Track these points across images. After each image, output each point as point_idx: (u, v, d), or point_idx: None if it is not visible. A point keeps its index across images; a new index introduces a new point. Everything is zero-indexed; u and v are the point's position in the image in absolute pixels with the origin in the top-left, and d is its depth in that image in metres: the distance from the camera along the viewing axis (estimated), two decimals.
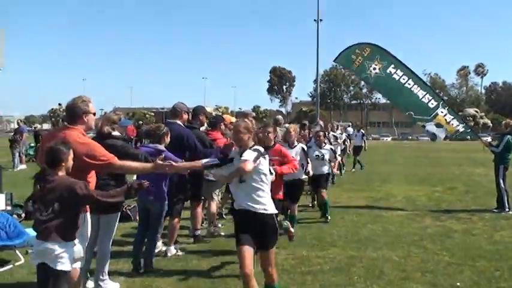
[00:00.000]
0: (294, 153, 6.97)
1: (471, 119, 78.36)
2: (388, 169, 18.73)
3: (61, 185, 3.41)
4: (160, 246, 6.33)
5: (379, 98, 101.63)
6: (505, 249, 6.62)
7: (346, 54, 10.43)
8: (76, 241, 3.57)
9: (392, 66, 10.19)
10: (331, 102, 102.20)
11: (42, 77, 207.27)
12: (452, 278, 5.36)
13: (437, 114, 10.19)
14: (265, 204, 4.14)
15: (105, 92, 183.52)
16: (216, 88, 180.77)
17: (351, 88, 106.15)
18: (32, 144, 21.27)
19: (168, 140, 5.64)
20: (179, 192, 6.12)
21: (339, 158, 8.82)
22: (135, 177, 5.82)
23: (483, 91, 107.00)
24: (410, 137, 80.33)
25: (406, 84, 10.18)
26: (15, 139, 18.54)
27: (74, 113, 4.10)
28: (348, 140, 16.28)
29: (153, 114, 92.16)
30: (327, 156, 8.39)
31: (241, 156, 4.12)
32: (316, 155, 8.28)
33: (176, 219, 6.28)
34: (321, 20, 37.07)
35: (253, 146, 4.20)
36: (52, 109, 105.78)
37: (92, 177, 4.07)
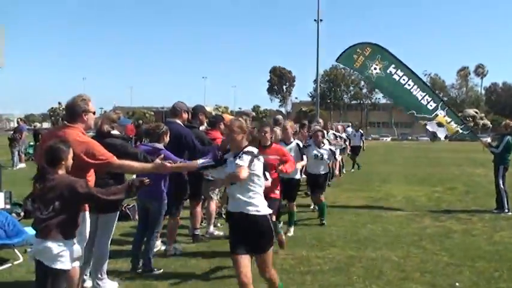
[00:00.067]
0: (289, 149, 6.96)
1: (471, 119, 78.38)
2: (387, 169, 18.73)
3: (61, 184, 3.41)
4: (159, 245, 6.33)
5: (379, 98, 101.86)
6: (504, 249, 6.61)
7: (347, 53, 10.42)
8: (75, 240, 3.56)
9: (393, 66, 10.19)
10: (331, 102, 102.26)
11: (42, 76, 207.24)
12: (451, 279, 5.35)
13: (437, 115, 10.20)
14: (258, 205, 4.00)
15: (105, 91, 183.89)
16: (216, 88, 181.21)
17: (351, 88, 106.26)
18: (32, 143, 21.27)
19: (167, 139, 5.63)
20: (178, 192, 6.11)
21: (339, 159, 8.70)
22: (134, 176, 5.81)
23: (483, 92, 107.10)
24: (410, 137, 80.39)
25: (406, 85, 10.18)
26: (15, 138, 18.55)
27: (73, 111, 4.10)
28: (348, 140, 16.26)
29: (153, 113, 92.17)
30: (325, 156, 8.31)
31: (235, 158, 4.01)
32: (315, 154, 8.22)
33: (175, 219, 6.28)
34: (321, 20, 37.03)
35: (246, 146, 4.08)
36: (52, 108, 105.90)
37: (91, 176, 4.07)
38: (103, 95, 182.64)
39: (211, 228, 7.37)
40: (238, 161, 3.91)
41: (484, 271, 5.64)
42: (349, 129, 19.03)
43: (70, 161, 3.59)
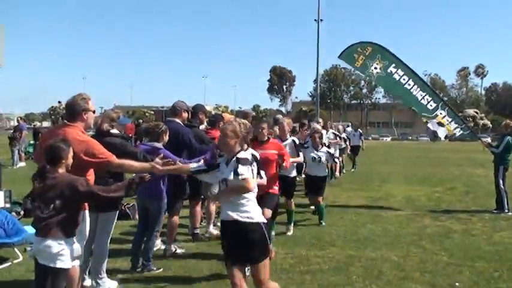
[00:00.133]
0: (285, 145, 6.85)
1: (471, 119, 78.38)
2: (387, 169, 18.72)
3: (62, 183, 3.41)
4: (159, 244, 6.33)
5: (379, 98, 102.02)
6: (504, 250, 6.61)
7: (348, 52, 10.42)
8: (75, 239, 3.56)
9: (393, 65, 10.18)
10: (331, 102, 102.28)
11: (42, 75, 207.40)
12: (451, 278, 5.35)
13: (437, 115, 10.20)
14: (250, 211, 3.77)
15: (106, 90, 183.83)
16: (216, 87, 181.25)
17: (351, 88, 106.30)
18: (32, 142, 21.27)
19: (166, 138, 5.62)
20: (178, 191, 6.10)
21: (338, 161, 8.54)
22: (134, 175, 5.80)
23: (483, 92, 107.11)
24: (410, 137, 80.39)
25: (406, 85, 10.18)
26: (15, 137, 18.53)
27: (73, 110, 4.10)
28: (348, 140, 16.26)
29: (153, 112, 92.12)
30: (323, 159, 8.17)
31: (227, 164, 3.84)
32: (312, 157, 8.12)
33: (175, 218, 6.28)
34: (321, 19, 37.02)
35: (239, 151, 3.86)
36: (52, 107, 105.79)
37: (91, 176, 4.06)
38: (103, 94, 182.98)
39: (211, 228, 7.36)
40: (242, 174, 3.68)
41: (483, 271, 5.63)
42: (349, 129, 19.04)
43: (70, 160, 3.59)
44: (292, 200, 7.60)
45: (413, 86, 10.17)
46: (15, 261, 5.77)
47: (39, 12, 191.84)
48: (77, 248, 3.66)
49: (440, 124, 10.20)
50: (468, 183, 14.42)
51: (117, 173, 4.68)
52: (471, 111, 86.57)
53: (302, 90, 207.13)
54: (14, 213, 7.58)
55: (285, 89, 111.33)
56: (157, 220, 5.59)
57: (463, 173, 17.51)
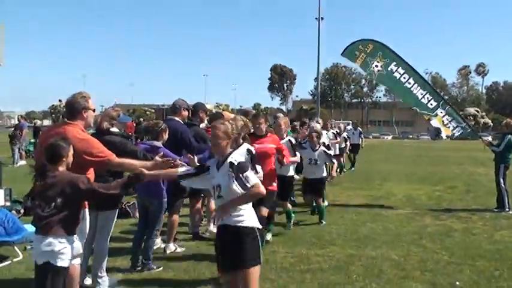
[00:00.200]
0: None
1: (472, 118, 78.20)
2: (388, 168, 18.71)
3: (63, 181, 3.41)
4: (159, 243, 6.32)
5: (380, 96, 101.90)
6: (505, 248, 6.60)
7: (350, 49, 10.40)
8: (75, 237, 3.56)
9: (394, 63, 10.16)
10: (331, 101, 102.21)
11: (43, 73, 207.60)
12: (451, 277, 5.34)
13: (436, 115, 10.17)
14: (243, 215, 3.60)
15: (106, 88, 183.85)
16: (216, 85, 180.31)
17: (352, 86, 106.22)
18: (32, 140, 21.27)
19: (166, 136, 5.61)
20: (178, 189, 6.09)
21: (336, 161, 8.36)
22: None
23: (484, 91, 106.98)
24: (410, 136, 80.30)
25: (406, 84, 10.16)
26: (15, 135, 18.53)
27: (73, 108, 4.09)
28: (348, 139, 16.26)
29: (153, 111, 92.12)
30: (320, 161, 8.03)
31: (218, 168, 3.67)
32: (309, 159, 8.00)
33: (175, 217, 6.28)
34: (322, 18, 36.98)
35: (231, 153, 3.71)
36: (53, 105, 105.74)
37: (91, 174, 4.06)
38: (104, 93, 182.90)
39: (211, 226, 7.35)
40: (249, 182, 3.53)
41: (484, 270, 5.63)
42: (349, 127, 19.03)
43: (70, 158, 3.59)
44: (287, 202, 7.51)
45: (413, 84, 10.14)
46: (15, 259, 5.77)
47: (40, 12, 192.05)
48: (78, 246, 3.66)
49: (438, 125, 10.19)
50: (469, 181, 14.40)
51: (117, 171, 4.67)
52: (472, 110, 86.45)
53: (303, 89, 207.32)
54: (14, 212, 7.59)
55: (285, 88, 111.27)
56: (158, 219, 5.58)
57: (464, 172, 17.50)
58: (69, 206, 3.40)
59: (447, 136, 10.54)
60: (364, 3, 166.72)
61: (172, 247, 6.26)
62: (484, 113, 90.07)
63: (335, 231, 7.53)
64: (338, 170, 14.97)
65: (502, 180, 9.56)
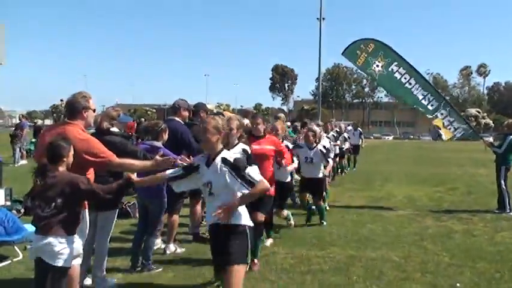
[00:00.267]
0: None
1: (473, 119, 78.14)
2: (389, 168, 18.69)
3: (62, 181, 3.40)
4: (159, 243, 6.31)
5: (381, 97, 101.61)
6: (505, 250, 6.58)
7: (351, 48, 10.34)
8: (75, 237, 3.55)
9: (395, 63, 10.11)
10: (333, 101, 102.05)
11: (44, 73, 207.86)
12: (452, 279, 5.33)
13: (436, 116, 10.12)
14: (236, 213, 3.53)
15: (107, 88, 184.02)
16: (217, 85, 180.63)
17: (353, 87, 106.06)
18: (33, 140, 21.26)
19: (165, 137, 5.60)
20: None
21: (331, 162, 8.20)
22: (135, 174, 5.78)
23: (485, 91, 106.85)
24: (412, 136, 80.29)
25: (407, 84, 10.10)
26: (16, 134, 18.53)
27: (73, 108, 4.08)
28: (349, 139, 16.23)
29: (154, 111, 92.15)
30: (315, 159, 7.86)
31: (208, 165, 3.59)
32: (305, 158, 7.87)
33: (175, 217, 6.26)
34: (323, 18, 36.86)
35: (222, 150, 3.62)
36: (54, 105, 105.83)
37: (91, 174, 4.05)
38: (105, 93, 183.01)
39: None
40: (254, 177, 3.48)
41: (485, 272, 5.61)
42: (349, 128, 19.02)
43: (71, 158, 3.58)
44: (283, 211, 7.39)
45: (414, 85, 10.09)
46: (15, 259, 5.76)
47: (41, 12, 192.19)
48: (78, 246, 3.65)
49: (438, 128, 10.15)
50: (470, 183, 14.38)
51: (117, 172, 4.66)
52: (473, 111, 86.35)
53: (304, 89, 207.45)
54: (14, 211, 7.58)
55: (286, 88, 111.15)
56: (157, 219, 5.57)
57: (465, 173, 17.47)
58: (69, 206, 3.40)
59: (448, 138, 10.48)
60: (365, 3, 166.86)
61: (172, 248, 6.25)
62: (485, 114, 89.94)
63: (335, 232, 7.52)
64: (339, 171, 14.99)
65: (503, 182, 9.53)
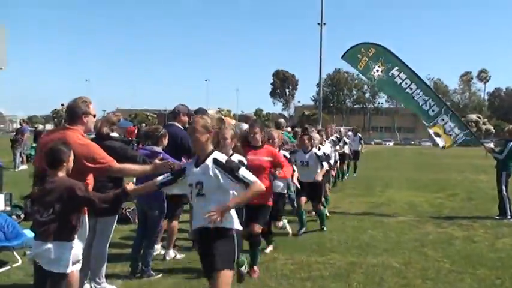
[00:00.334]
0: None
1: (474, 124, 78.09)
2: (389, 174, 18.67)
3: (61, 186, 3.39)
4: (159, 249, 6.29)
5: (382, 102, 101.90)
6: (506, 256, 6.55)
7: (352, 52, 10.33)
8: (74, 243, 3.54)
9: (396, 68, 10.08)
10: (333, 107, 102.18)
11: (45, 77, 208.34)
12: (453, 286, 5.31)
13: (436, 122, 10.09)
14: (225, 216, 3.41)
15: (108, 93, 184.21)
16: (218, 90, 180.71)
17: (354, 92, 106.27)
18: (34, 145, 21.27)
19: (165, 142, 5.60)
20: (178, 195, 6.06)
21: (326, 166, 8.11)
22: (135, 179, 5.78)
23: (486, 97, 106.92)
24: (412, 142, 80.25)
25: (408, 89, 10.08)
26: (17, 139, 18.54)
27: (74, 113, 4.08)
28: (349, 144, 16.22)
29: (155, 115, 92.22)
30: (311, 162, 7.78)
31: (197, 166, 3.49)
32: (300, 161, 7.79)
33: (175, 223, 6.25)
34: (324, 23, 36.94)
35: (213, 151, 3.52)
36: (55, 110, 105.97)
37: (90, 180, 4.04)
38: (106, 98, 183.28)
39: None
40: (246, 178, 3.41)
41: (485, 278, 5.59)
42: (349, 133, 19.01)
43: (71, 163, 3.57)
44: (279, 222, 7.26)
45: (415, 90, 10.07)
46: (14, 265, 5.73)
47: (42, 16, 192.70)
48: (77, 252, 3.64)
49: (436, 134, 10.11)
50: (470, 189, 14.35)
51: (116, 177, 4.66)
52: (474, 116, 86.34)
53: (305, 94, 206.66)
54: (14, 217, 7.56)
55: (287, 93, 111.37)
56: (157, 225, 5.56)
57: (466, 179, 17.45)
58: (67, 212, 3.39)
59: (444, 147, 10.41)
60: (366, 9, 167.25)
61: (172, 254, 6.23)
62: (486, 120, 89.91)
63: (336, 238, 7.50)
64: (340, 177, 14.95)
65: (503, 188, 9.52)
